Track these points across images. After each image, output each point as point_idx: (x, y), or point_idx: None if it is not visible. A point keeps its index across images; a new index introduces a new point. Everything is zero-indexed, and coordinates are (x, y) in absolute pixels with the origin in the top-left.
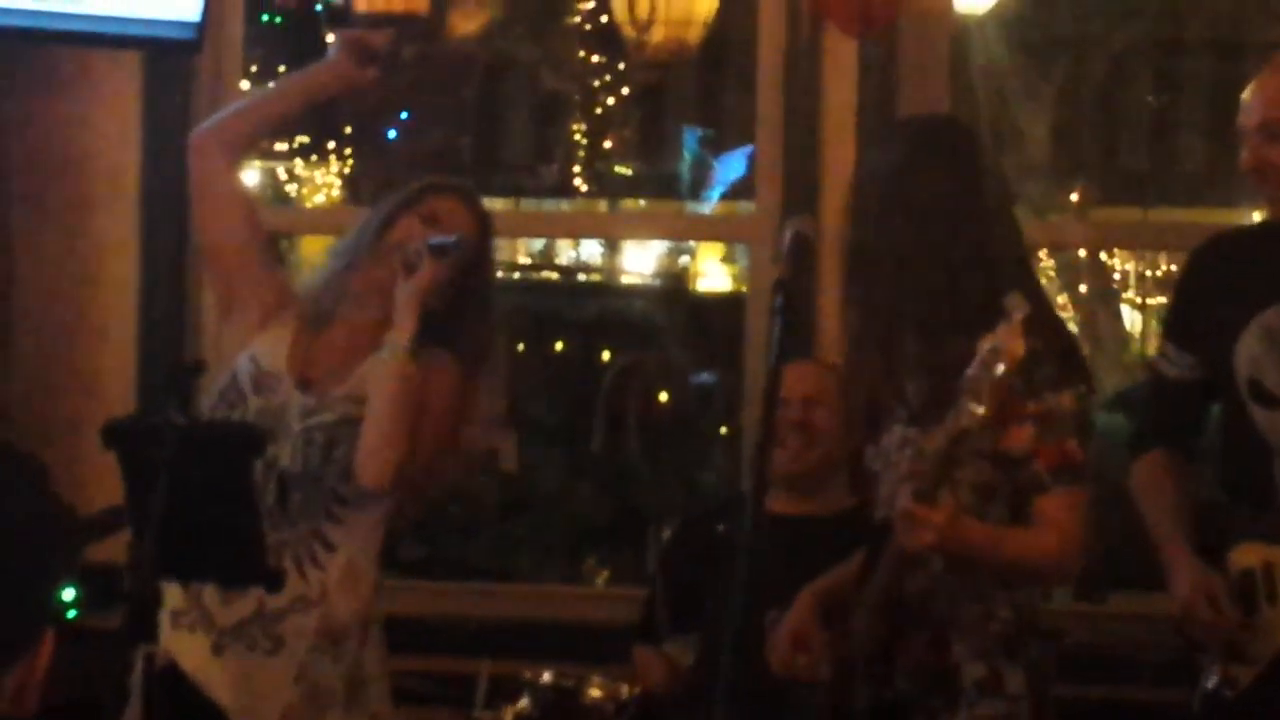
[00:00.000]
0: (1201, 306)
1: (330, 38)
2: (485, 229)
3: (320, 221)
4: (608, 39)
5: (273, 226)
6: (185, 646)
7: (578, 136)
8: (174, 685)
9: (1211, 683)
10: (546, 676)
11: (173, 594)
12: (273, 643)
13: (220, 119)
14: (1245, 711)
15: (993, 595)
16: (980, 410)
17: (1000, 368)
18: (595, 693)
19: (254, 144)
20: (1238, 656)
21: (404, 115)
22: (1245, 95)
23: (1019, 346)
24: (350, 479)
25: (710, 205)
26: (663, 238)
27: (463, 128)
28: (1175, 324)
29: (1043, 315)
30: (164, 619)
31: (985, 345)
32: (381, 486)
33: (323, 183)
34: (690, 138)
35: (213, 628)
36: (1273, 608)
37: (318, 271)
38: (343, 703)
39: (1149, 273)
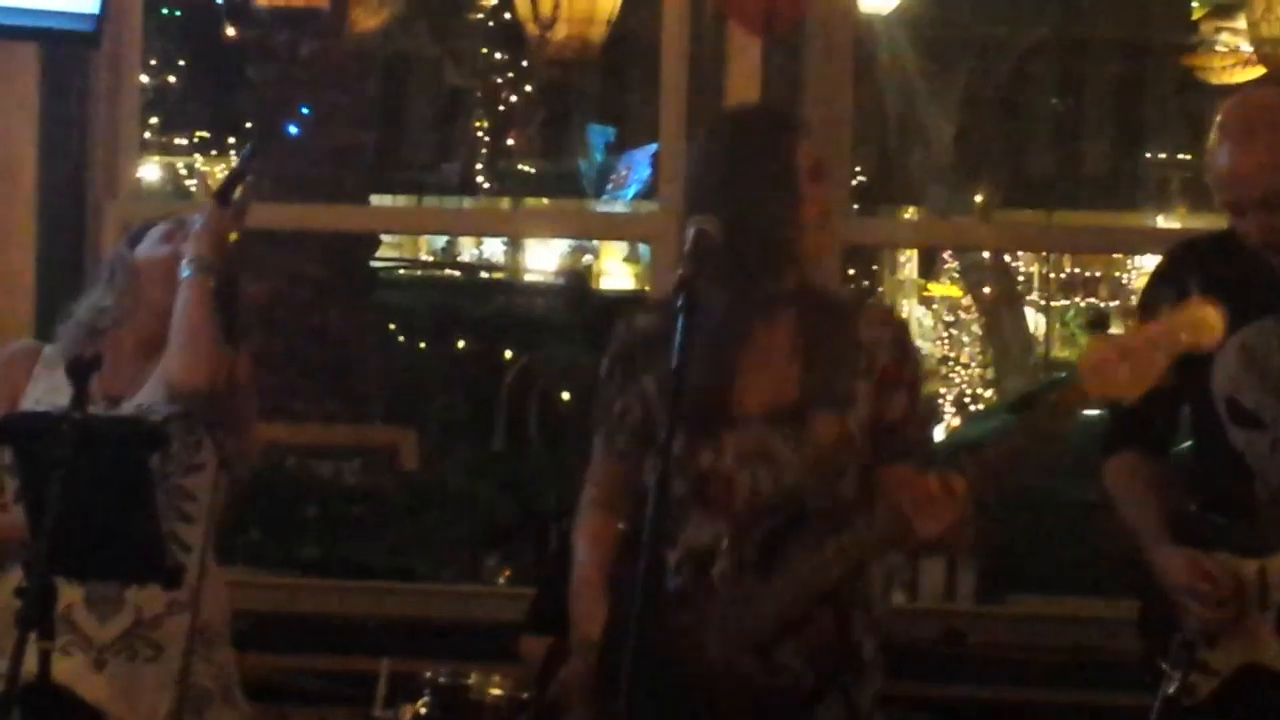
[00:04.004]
0: None
1: (230, 31)
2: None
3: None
4: (510, 36)
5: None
6: (61, 668)
7: (480, 134)
8: (48, 698)
9: (1171, 689)
10: (446, 676)
11: None
12: (153, 649)
13: None
14: None
15: (884, 573)
16: None
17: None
18: (495, 692)
19: None
20: (1222, 646)
21: (305, 110)
22: (1226, 162)
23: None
24: (190, 470)
25: (617, 204)
26: (566, 236)
27: (365, 124)
28: None
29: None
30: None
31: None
32: (198, 382)
33: (223, 177)
34: (598, 137)
35: (91, 646)
36: (1239, 623)
37: (80, 305)
38: (218, 703)
39: (1053, 275)
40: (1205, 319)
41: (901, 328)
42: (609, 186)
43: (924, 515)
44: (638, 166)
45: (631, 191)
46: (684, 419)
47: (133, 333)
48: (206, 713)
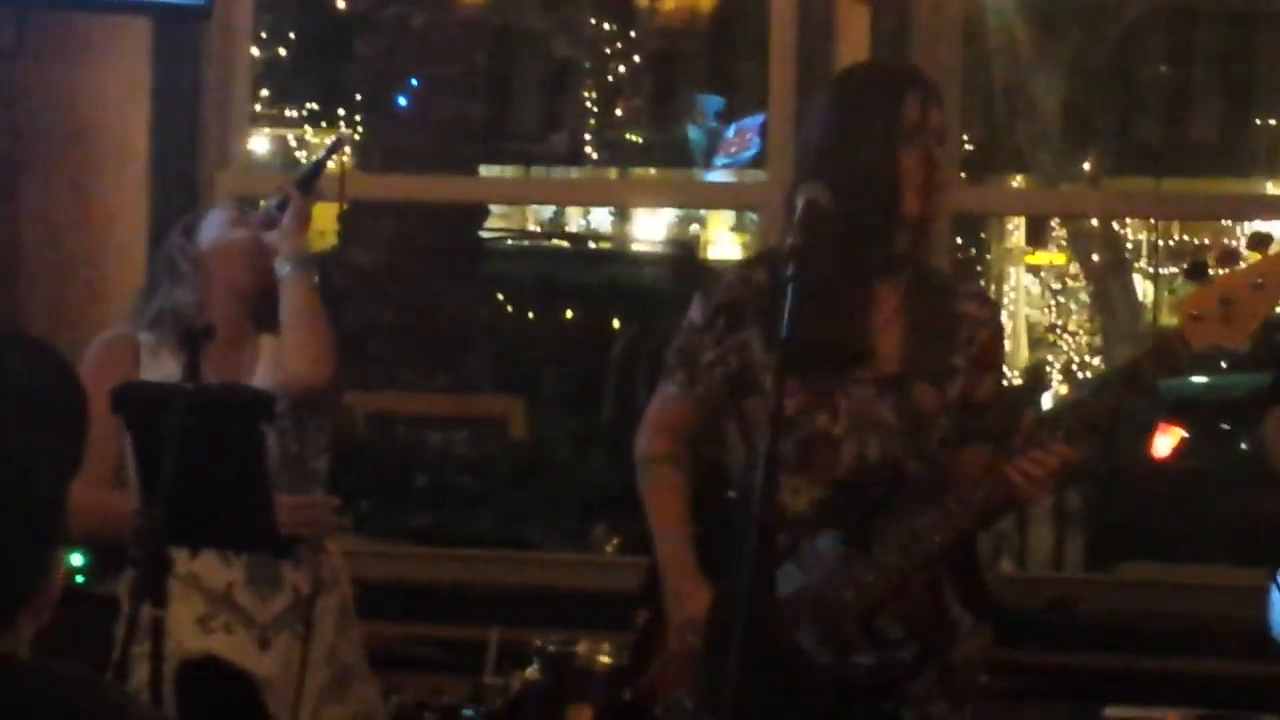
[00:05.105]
0: None
1: (340, 4)
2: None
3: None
4: (619, 6)
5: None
6: (226, 645)
7: (588, 104)
8: (207, 672)
9: None
10: (555, 644)
11: (192, 601)
12: (307, 628)
13: None
14: None
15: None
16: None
17: None
18: (604, 660)
19: None
20: None
21: (414, 82)
22: None
23: None
24: (320, 452)
25: (726, 173)
26: (673, 205)
27: (473, 95)
28: None
29: None
30: (184, 625)
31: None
32: (322, 377)
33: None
34: (710, 106)
35: (254, 624)
36: None
37: (151, 302)
38: (360, 678)
39: (1161, 243)
40: None
41: (998, 311)
42: (732, 150)
43: (1040, 488)
44: (756, 131)
45: (750, 154)
46: (802, 379)
47: (219, 321)
48: (351, 687)
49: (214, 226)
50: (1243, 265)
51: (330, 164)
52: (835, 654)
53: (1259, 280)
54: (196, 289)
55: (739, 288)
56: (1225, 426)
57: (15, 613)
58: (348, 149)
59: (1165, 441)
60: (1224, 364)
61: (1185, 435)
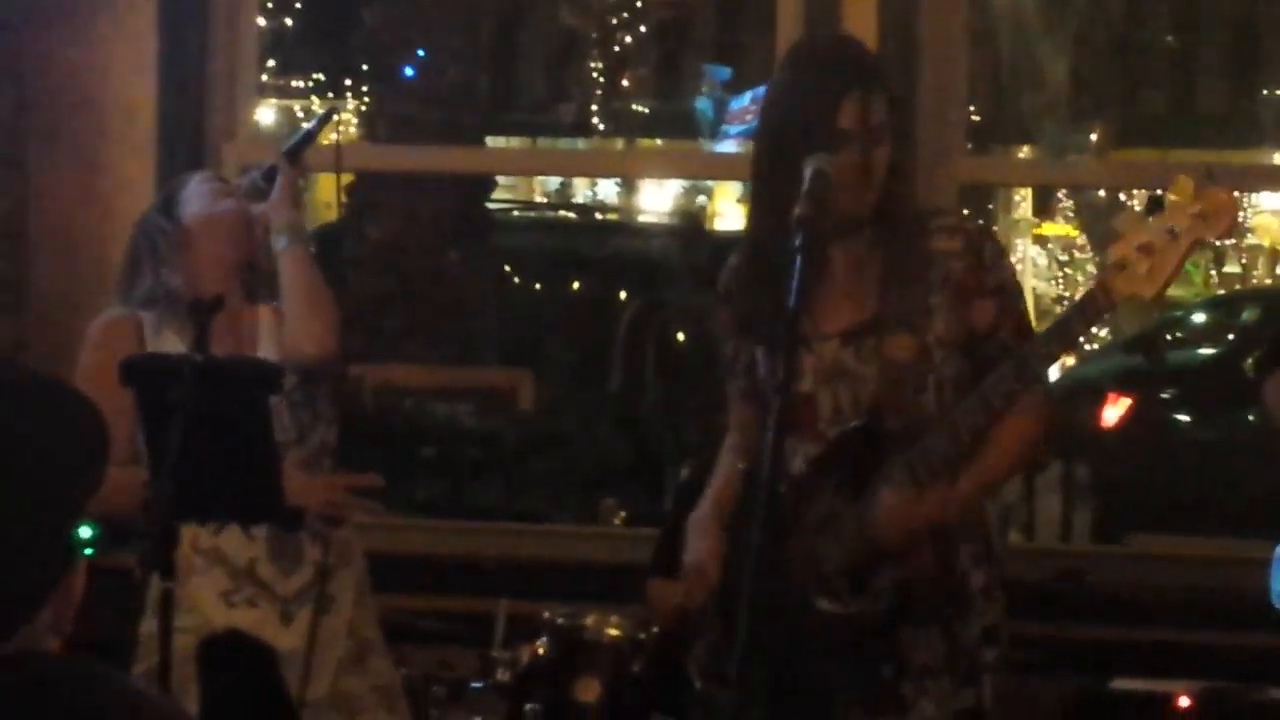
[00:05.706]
0: None
1: None
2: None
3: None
4: None
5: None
6: (250, 620)
7: (595, 74)
8: (228, 647)
9: None
10: (564, 616)
11: (215, 575)
12: (328, 601)
13: None
14: None
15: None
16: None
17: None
18: (613, 633)
19: None
20: None
21: (421, 53)
22: None
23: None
24: (330, 425)
25: (733, 144)
26: (680, 176)
27: (480, 66)
28: None
29: None
30: (208, 599)
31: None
32: (327, 347)
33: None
34: (718, 76)
35: (276, 599)
36: None
37: (140, 284)
38: (377, 652)
39: None
40: (1220, 204)
41: (975, 234)
42: (746, 118)
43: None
44: None
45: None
46: (767, 343)
47: (210, 294)
48: (368, 660)
49: (197, 199)
50: (1162, 211)
51: (335, 136)
52: (821, 607)
53: (1172, 227)
54: (183, 268)
55: (724, 278)
56: (1231, 398)
57: (35, 611)
58: (354, 120)
59: (1113, 411)
60: (1230, 335)
61: (1131, 404)
